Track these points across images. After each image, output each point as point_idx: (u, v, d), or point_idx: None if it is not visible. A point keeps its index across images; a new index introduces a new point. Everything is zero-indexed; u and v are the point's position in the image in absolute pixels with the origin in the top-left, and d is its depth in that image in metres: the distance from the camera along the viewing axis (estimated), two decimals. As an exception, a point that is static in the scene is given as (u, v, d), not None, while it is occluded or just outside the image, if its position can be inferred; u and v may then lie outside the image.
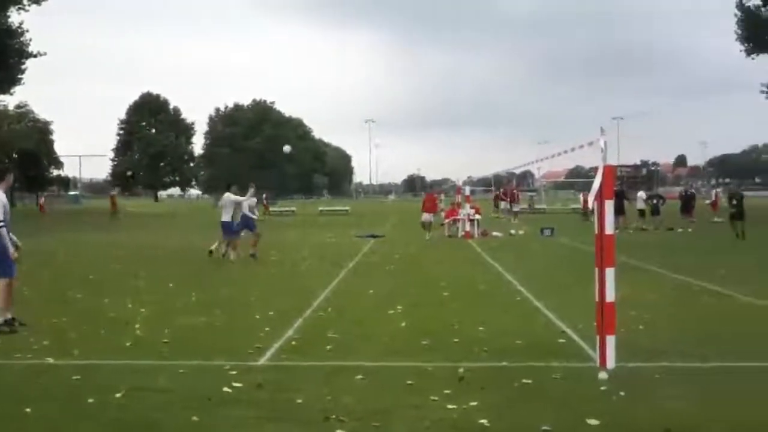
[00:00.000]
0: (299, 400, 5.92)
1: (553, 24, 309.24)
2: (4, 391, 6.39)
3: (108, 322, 9.58)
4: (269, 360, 7.45)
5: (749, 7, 54.98)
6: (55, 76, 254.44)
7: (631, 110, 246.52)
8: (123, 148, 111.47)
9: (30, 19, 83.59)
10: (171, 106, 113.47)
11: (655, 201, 31.10)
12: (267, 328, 8.97)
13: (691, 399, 5.88)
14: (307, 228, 35.86)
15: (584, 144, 7.72)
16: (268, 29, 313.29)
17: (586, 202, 36.38)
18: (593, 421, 5.28)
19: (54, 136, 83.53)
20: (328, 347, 7.96)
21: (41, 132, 78.38)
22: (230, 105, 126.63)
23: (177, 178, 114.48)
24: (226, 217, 18.01)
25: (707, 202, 40.61)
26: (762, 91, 57.34)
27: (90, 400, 5.98)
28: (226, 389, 6.26)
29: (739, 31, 55.61)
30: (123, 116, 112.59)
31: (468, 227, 26.41)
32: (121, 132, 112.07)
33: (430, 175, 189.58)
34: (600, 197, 6.87)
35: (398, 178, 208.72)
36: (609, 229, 6.88)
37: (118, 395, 6.10)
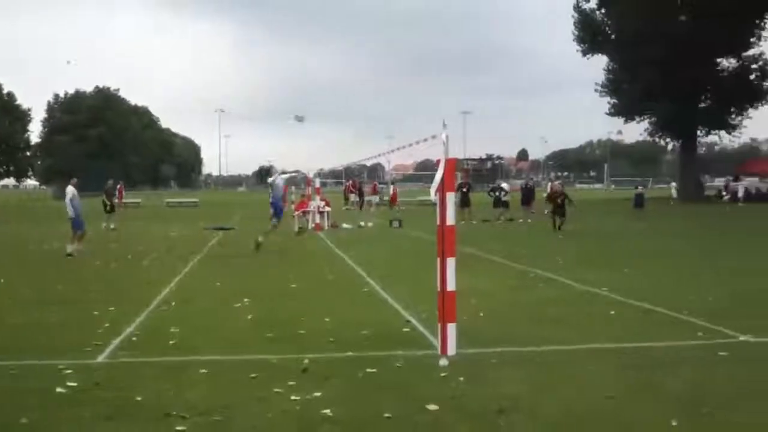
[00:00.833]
0: (139, 398, 5.74)
1: (400, 21, 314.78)
2: None
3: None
4: (108, 357, 7.17)
5: (585, 9, 58.30)
6: None
7: (477, 106, 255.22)
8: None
9: None
10: (5, 91, 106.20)
11: (497, 193, 32.44)
12: (106, 325, 8.62)
13: (526, 382, 6.18)
14: (153, 220, 34.67)
15: (428, 137, 7.91)
16: (113, 14, 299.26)
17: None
18: (433, 407, 5.45)
19: None
20: (171, 342, 7.76)
21: None
22: (71, 91, 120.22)
23: (11, 168, 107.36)
24: (71, 212, 17.10)
25: (545, 194, 42.64)
26: (596, 90, 61.04)
27: None
28: (59, 389, 5.96)
29: (576, 32, 58.85)
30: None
31: (318, 219, 26.46)
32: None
33: (281, 167, 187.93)
34: (442, 189, 7.08)
35: (249, 169, 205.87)
36: (450, 220, 7.10)
37: (-63, 400, 5.69)
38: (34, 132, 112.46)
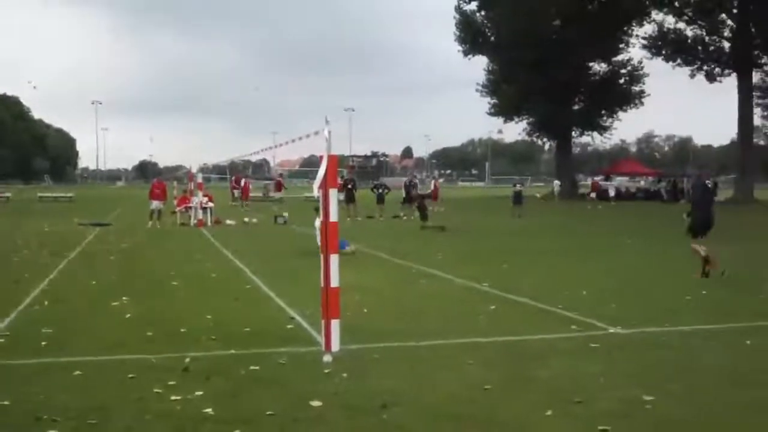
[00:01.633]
0: (6, 402, 5.46)
1: (286, 14, 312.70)
2: None
3: None
4: (-27, 360, 6.79)
5: (466, 11, 59.69)
6: None
7: (362, 104, 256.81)
8: None
9: None
10: None
11: (380, 190, 32.77)
12: (-29, 326, 8.16)
13: (406, 376, 6.28)
14: (25, 215, 32.98)
15: (311, 133, 7.90)
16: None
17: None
18: (316, 403, 5.45)
19: None
20: (43, 343, 7.41)
21: None
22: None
23: None
24: None
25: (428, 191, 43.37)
26: (477, 90, 62.66)
27: None
28: None
29: (457, 33, 60.16)
30: None
31: (201, 215, 25.94)
32: None
33: (164, 162, 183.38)
34: (325, 185, 7.08)
35: (129, 164, 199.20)
36: (333, 216, 7.11)
37: None
38: None
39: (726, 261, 12.47)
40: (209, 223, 26.09)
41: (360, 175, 71.14)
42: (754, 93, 52.50)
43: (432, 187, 39.28)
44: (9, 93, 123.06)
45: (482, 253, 16.84)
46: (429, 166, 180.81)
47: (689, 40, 52.63)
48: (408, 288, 11.46)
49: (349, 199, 30.12)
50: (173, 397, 5.58)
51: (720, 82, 52.70)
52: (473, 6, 59.53)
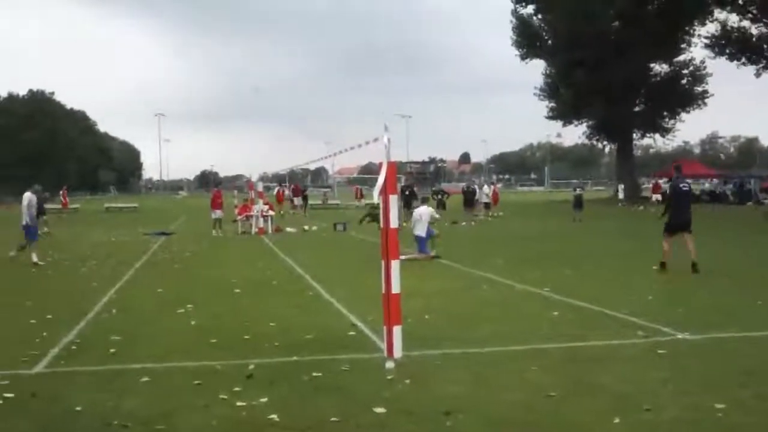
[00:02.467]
0: (78, 408, 5.60)
1: (344, 22, 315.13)
2: None
3: None
4: (45, 367, 6.99)
5: (523, 15, 59.20)
6: None
7: (419, 108, 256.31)
8: None
9: None
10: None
11: (440, 196, 32.75)
12: (44, 334, 8.40)
13: (469, 382, 6.24)
14: (92, 226, 33.90)
15: (369, 141, 7.92)
16: (47, 14, 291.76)
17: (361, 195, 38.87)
18: (379, 409, 5.45)
19: None
20: (111, 351, 7.59)
21: None
22: (4, 95, 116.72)
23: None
24: (27, 219, 16.56)
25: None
26: (535, 93, 62.04)
27: None
28: (-5, 401, 5.79)
29: (514, 37, 59.68)
30: None
31: (261, 223, 26.26)
32: None
33: (224, 171, 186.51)
34: (384, 192, 7.10)
35: (191, 174, 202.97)
36: (394, 223, 7.12)
37: None
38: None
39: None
40: (270, 231, 26.38)
41: (418, 181, 71.17)
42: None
43: (491, 192, 38.98)
44: (76, 107, 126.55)
45: (543, 258, 16.62)
46: (487, 171, 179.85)
47: (754, 39, 51.15)
48: (469, 294, 11.39)
49: (407, 205, 30.12)
50: (239, 404, 5.64)
51: (788, 80, 51.13)
52: (530, 9, 59.08)
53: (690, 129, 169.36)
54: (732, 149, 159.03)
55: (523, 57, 59.80)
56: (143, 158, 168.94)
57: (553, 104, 61.22)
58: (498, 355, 7.26)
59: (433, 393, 5.92)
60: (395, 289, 7.07)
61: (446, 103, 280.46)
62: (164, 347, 7.73)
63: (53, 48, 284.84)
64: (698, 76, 56.92)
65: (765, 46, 50.82)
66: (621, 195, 55.02)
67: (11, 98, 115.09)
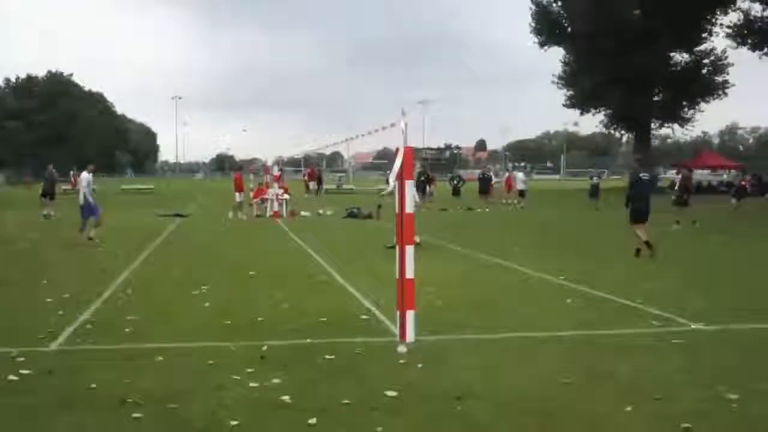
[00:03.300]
0: (93, 385, 5.65)
1: (358, 10, 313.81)
2: None
3: None
4: (62, 345, 7.05)
5: (542, 2, 58.76)
6: None
7: (436, 96, 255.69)
8: None
9: None
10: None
11: (456, 182, 32.67)
12: (60, 312, 8.48)
13: (483, 368, 6.24)
14: (107, 207, 34.03)
15: (386, 125, 7.91)
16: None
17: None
18: (391, 393, 5.47)
19: None
20: (127, 330, 7.65)
21: None
22: (22, 76, 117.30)
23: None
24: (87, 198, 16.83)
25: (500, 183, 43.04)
26: (553, 81, 61.64)
27: None
28: (12, 377, 5.86)
29: (533, 24, 59.28)
30: None
31: (276, 207, 26.32)
32: None
33: (240, 155, 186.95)
34: (401, 177, 7.09)
35: (207, 156, 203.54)
36: (409, 208, 7.11)
37: None
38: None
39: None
40: (284, 215, 26.44)
41: (433, 167, 71.06)
42: None
43: (504, 179, 38.81)
44: (94, 89, 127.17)
45: (559, 246, 16.58)
46: (503, 158, 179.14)
47: (777, 29, 50.52)
48: (483, 280, 11.38)
49: (422, 190, 30.08)
50: (251, 384, 5.68)
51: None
52: (549, -4, 58.62)
53: (709, 119, 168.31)
54: (751, 140, 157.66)
55: (542, 44, 59.44)
56: (159, 140, 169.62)
57: (571, 92, 60.86)
58: (511, 341, 7.25)
59: (446, 378, 5.93)
60: (409, 274, 7.08)
61: (463, 91, 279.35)
62: (179, 328, 7.78)
63: (72, 30, 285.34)
64: (719, 65, 56.33)
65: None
66: None
67: (30, 79, 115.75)
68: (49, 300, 9.27)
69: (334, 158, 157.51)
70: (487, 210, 30.57)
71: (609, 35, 50.34)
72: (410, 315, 7.06)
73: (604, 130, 67.72)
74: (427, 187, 30.83)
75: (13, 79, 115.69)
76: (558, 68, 61.58)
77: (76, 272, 12.04)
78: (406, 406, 5.22)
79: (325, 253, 14.67)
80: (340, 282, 11.02)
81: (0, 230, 20.57)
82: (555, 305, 9.19)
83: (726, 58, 55.92)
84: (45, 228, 21.28)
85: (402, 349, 6.74)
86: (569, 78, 60.33)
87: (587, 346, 7.06)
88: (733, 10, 52.09)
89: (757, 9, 50.58)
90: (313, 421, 4.90)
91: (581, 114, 62.53)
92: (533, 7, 58.87)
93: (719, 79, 56.73)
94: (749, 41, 51.14)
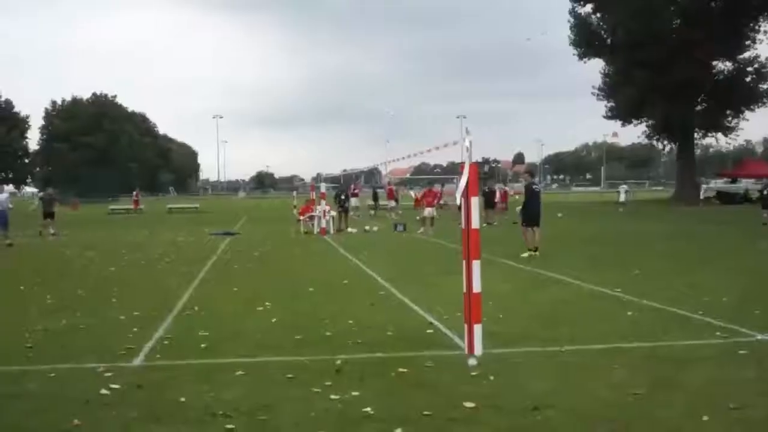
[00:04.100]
0: (182, 399, 5.92)
1: (397, 21, 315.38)
2: None
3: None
4: (144, 360, 7.35)
5: (581, 14, 58.66)
6: None
7: (475, 110, 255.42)
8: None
9: None
10: (2, 98, 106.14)
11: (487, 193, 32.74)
12: (135, 329, 8.80)
13: (553, 379, 6.38)
14: (158, 226, 34.85)
15: (449, 143, 8.13)
16: (107, 19, 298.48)
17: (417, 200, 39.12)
18: (469, 404, 5.64)
19: None
20: (202, 345, 7.93)
21: None
22: (68, 99, 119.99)
23: (10, 175, 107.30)
24: None
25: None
26: (593, 93, 61.37)
27: (-44, 410, 5.71)
28: (104, 391, 6.14)
29: (572, 36, 59.15)
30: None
31: (324, 224, 26.65)
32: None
33: (279, 172, 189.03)
34: (467, 194, 7.29)
35: (247, 174, 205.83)
36: (475, 223, 7.30)
37: (-15, 403, 5.87)
38: (33, 139, 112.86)
39: None
40: (332, 231, 26.74)
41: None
42: None
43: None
44: (136, 110, 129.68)
45: (608, 259, 16.58)
46: (542, 171, 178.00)
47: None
48: (539, 294, 11.49)
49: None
50: (332, 397, 5.89)
51: None
52: (588, 8, 58.50)
53: (752, 128, 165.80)
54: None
55: (581, 56, 59.25)
56: (200, 159, 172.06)
57: (611, 104, 60.52)
58: (578, 353, 7.37)
59: (519, 389, 6.08)
60: (476, 288, 7.25)
61: (499, 104, 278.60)
62: (252, 343, 8.04)
63: (115, 52, 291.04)
64: (763, 73, 55.57)
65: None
66: (704, 194, 53.18)
67: (76, 102, 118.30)
68: (122, 318, 9.62)
69: (372, 174, 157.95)
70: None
71: (649, 46, 50.01)
72: (477, 328, 7.23)
73: (645, 141, 67.17)
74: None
75: (59, 102, 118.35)
76: (597, 79, 61.38)
77: (141, 290, 12.40)
78: (485, 417, 5.39)
79: (377, 268, 14.88)
80: (399, 297, 11.21)
81: (64, 250, 21.13)
82: (616, 317, 9.28)
83: (771, 65, 55.21)
84: (111, 246, 21.81)
85: (473, 362, 6.90)
86: (609, 89, 60.02)
87: (653, 358, 7.15)
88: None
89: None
90: (398, 431, 5.10)
91: (623, 125, 62.19)
92: (572, 20, 58.78)
93: (763, 86, 55.98)
94: (794, 48, 50.42)
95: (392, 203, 42.22)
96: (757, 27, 53.90)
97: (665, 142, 64.62)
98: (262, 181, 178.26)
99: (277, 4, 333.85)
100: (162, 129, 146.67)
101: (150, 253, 19.68)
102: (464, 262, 7.36)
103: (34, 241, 25.27)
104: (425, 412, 5.48)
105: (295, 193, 43.50)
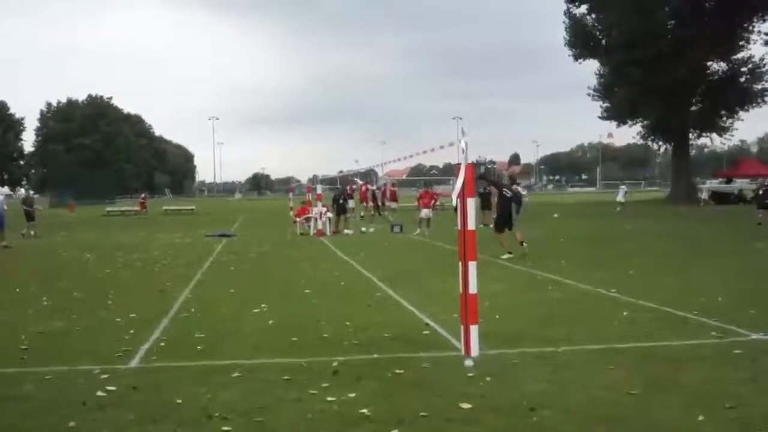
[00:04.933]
0: (179, 401, 5.92)
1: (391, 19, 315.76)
2: None
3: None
4: (140, 362, 7.34)
5: (576, 15, 58.76)
6: None
7: (470, 110, 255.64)
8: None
9: None
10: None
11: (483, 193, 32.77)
12: (131, 331, 8.80)
13: (549, 380, 6.39)
14: (154, 228, 34.82)
15: (444, 145, 8.13)
16: (103, 20, 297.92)
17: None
18: (466, 405, 5.65)
19: None
20: (199, 347, 7.93)
21: None
22: (63, 100, 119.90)
23: (5, 177, 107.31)
24: None
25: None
26: (588, 94, 61.49)
27: (-48, 413, 5.71)
28: (100, 393, 6.14)
29: (567, 37, 59.25)
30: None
31: (320, 225, 26.65)
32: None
33: (275, 174, 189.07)
34: (463, 195, 7.30)
35: (243, 176, 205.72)
36: (471, 224, 7.32)
37: (-20, 406, 5.86)
38: (28, 141, 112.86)
39: None
40: (328, 233, 26.74)
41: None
42: None
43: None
44: (132, 111, 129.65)
45: (603, 259, 16.59)
46: (538, 172, 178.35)
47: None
48: (535, 294, 11.50)
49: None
50: (329, 398, 5.89)
51: None
52: (583, 9, 58.59)
53: (748, 127, 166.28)
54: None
55: (576, 57, 59.37)
56: (196, 160, 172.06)
57: (607, 104, 60.65)
58: (574, 354, 7.39)
59: (516, 390, 6.09)
60: (472, 289, 7.27)
61: (495, 104, 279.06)
62: (249, 344, 8.04)
63: (111, 53, 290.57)
64: (758, 73, 55.73)
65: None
66: (704, 195, 52.95)
67: (70, 104, 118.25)
68: (118, 320, 9.61)
69: (368, 174, 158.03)
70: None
71: (644, 46, 50.13)
72: (474, 329, 7.24)
73: (640, 141, 67.34)
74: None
75: (54, 104, 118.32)
76: (592, 80, 61.51)
77: (137, 292, 12.39)
78: (482, 417, 5.40)
79: (374, 269, 14.89)
80: (396, 298, 11.22)
81: (62, 252, 21.10)
82: (611, 318, 9.29)
83: (764, 65, 55.37)
84: (106, 248, 21.78)
85: (469, 363, 6.91)
86: (605, 90, 60.15)
87: (649, 358, 7.16)
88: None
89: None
90: (395, 432, 5.11)
91: (618, 126, 62.32)
92: (567, 21, 58.89)
93: (758, 86, 56.14)
94: (788, 48, 50.61)
95: (393, 204, 42.13)
96: (751, 27, 54.06)
97: (660, 143, 64.79)
98: (259, 183, 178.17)
99: (276, 3, 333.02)
100: (158, 131, 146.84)
101: (146, 255, 19.66)
102: (461, 263, 7.37)
103: (29, 242, 25.25)
104: (422, 414, 5.49)
105: (291, 194, 43.49)
